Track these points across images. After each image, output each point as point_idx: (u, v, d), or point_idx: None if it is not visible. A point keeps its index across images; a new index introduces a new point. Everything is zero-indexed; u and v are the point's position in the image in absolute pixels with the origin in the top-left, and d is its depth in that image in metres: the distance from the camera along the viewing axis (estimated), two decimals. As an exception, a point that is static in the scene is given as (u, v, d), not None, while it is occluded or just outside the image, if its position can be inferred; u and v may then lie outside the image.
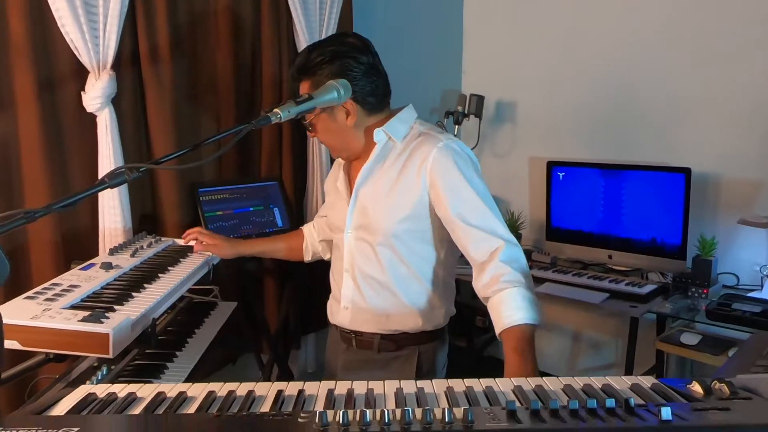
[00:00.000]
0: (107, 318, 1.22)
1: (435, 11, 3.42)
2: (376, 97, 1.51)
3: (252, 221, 2.48)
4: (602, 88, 3.08)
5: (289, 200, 2.63)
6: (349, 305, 1.61)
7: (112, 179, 1.05)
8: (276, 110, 1.18)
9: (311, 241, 1.90)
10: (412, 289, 1.56)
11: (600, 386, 0.94)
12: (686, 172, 2.65)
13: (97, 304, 1.32)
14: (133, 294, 1.42)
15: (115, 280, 1.52)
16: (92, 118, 2.10)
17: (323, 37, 2.65)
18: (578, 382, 0.95)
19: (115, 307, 1.32)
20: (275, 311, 2.63)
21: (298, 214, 2.71)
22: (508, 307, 1.34)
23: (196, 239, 1.86)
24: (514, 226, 3.17)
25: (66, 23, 1.97)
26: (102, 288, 1.44)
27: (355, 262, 1.58)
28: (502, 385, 0.95)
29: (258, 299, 2.56)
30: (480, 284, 1.42)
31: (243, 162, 2.59)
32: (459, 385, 0.95)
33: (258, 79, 2.57)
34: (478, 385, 0.95)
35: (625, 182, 2.86)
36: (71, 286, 1.40)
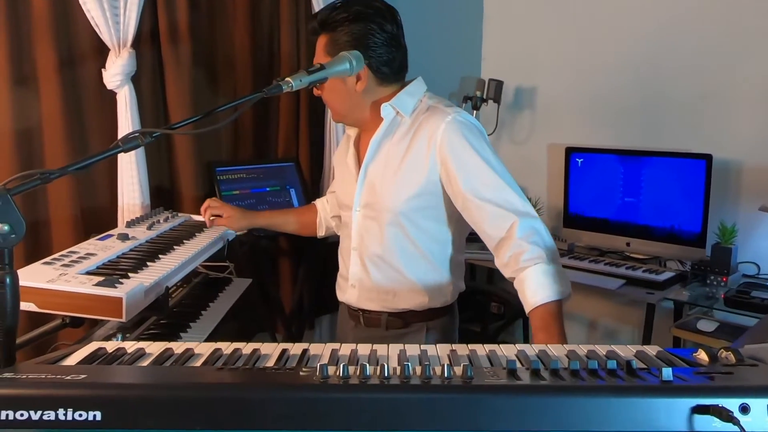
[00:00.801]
0: (121, 283, 1.25)
1: (455, -4, 3.41)
2: (391, 69, 1.49)
3: (268, 201, 2.50)
4: (623, 74, 3.05)
5: (306, 181, 2.64)
6: (356, 283, 1.61)
7: (126, 143, 1.06)
8: (288, 79, 1.18)
9: (324, 215, 1.90)
10: (419, 267, 1.54)
11: (604, 353, 0.93)
12: (707, 158, 2.62)
13: (112, 272, 1.34)
14: (148, 263, 1.45)
15: (131, 250, 1.55)
16: (112, 95, 2.13)
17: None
18: (582, 349, 0.95)
19: (130, 274, 1.34)
20: (290, 290, 2.65)
21: (314, 196, 2.72)
22: (530, 287, 1.33)
23: (207, 209, 1.87)
24: (531, 213, 3.15)
25: (87, 1, 2.00)
26: (118, 257, 1.47)
27: (363, 240, 1.57)
28: (506, 350, 0.95)
29: (273, 278, 2.58)
30: (501, 264, 1.41)
31: (260, 142, 2.61)
32: (462, 349, 0.96)
33: (276, 56, 2.59)
34: (482, 349, 0.96)
35: (645, 168, 2.83)
36: (88, 254, 1.43)
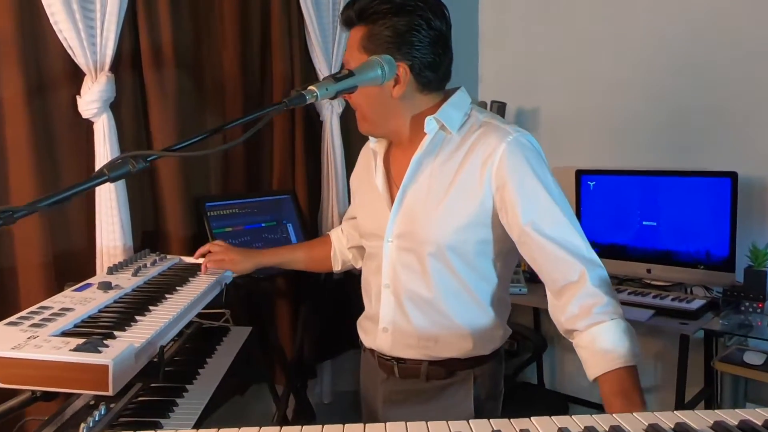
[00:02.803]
0: (106, 346, 1.00)
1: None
2: (435, 74, 1.28)
3: (264, 238, 2.26)
4: (632, 89, 2.90)
5: (304, 215, 2.42)
6: (390, 327, 1.38)
7: (113, 170, 0.84)
8: (312, 87, 0.98)
9: (340, 248, 1.68)
10: (465, 308, 1.33)
11: (710, 422, 0.71)
12: (732, 176, 2.45)
13: (93, 330, 1.10)
14: (137, 318, 1.20)
15: (114, 302, 1.30)
16: (88, 125, 1.89)
17: (337, 36, 2.47)
18: (676, 418, 0.73)
19: (116, 333, 1.10)
20: (290, 336, 2.40)
21: (312, 230, 2.50)
22: (607, 345, 1.14)
23: (207, 255, 1.64)
24: (541, 240, 2.95)
25: (59, 20, 1.77)
26: (99, 311, 1.22)
27: (398, 276, 1.35)
28: (543, 426, 0.73)
29: (272, 323, 2.33)
30: (564, 315, 1.20)
31: (253, 173, 2.38)
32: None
33: (268, 81, 2.38)
34: (551, 424, 0.73)
35: (663, 190, 2.66)
36: (63, 309, 1.18)
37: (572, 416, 0.77)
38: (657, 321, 2.37)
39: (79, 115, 1.87)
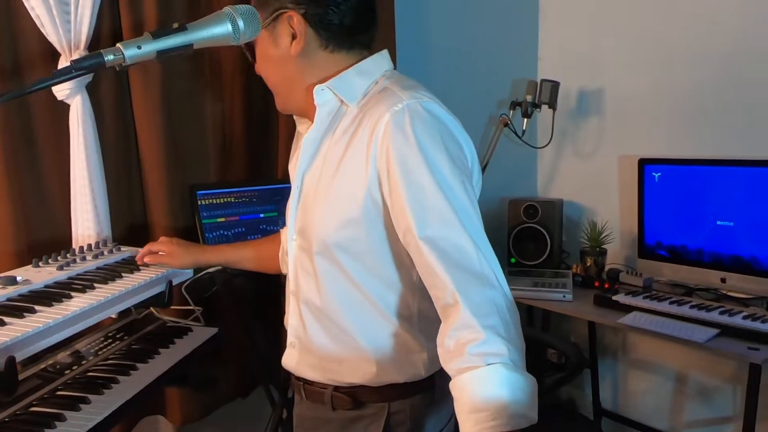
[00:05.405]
0: None
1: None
2: (340, 23, 1.03)
3: (262, 230, 2.09)
4: (710, 67, 2.43)
5: (310, 205, 2.22)
6: (296, 342, 1.16)
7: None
8: (118, 45, 0.77)
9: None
10: (370, 324, 1.07)
11: None
12: (831, 167, 1.97)
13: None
14: (6, 321, 1.06)
15: (7, 300, 1.17)
16: (67, 106, 1.80)
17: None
18: None
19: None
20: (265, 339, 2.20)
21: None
22: (478, 400, 0.87)
23: (145, 253, 1.47)
24: (597, 241, 2.57)
25: (29, -3, 1.69)
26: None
27: (299, 282, 1.12)
28: None
29: (261, 324, 2.13)
30: (441, 348, 0.94)
31: (256, 161, 2.21)
32: None
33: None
34: None
35: (744, 183, 2.20)
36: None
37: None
38: (720, 343, 1.94)
39: (55, 96, 1.78)
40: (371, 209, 1.00)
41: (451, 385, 0.92)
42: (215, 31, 0.87)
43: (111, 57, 0.77)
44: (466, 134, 1.04)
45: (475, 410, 0.86)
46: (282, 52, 1.04)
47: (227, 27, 0.88)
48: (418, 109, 0.97)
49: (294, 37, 1.02)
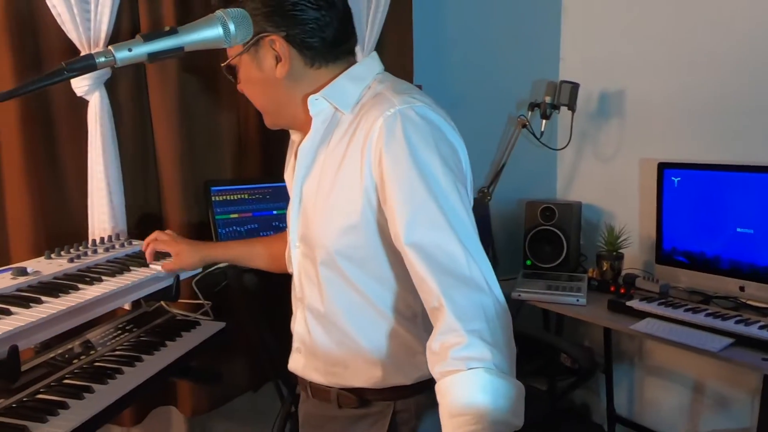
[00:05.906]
0: None
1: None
2: (322, 40, 1.04)
3: (274, 227, 2.11)
4: (734, 71, 2.37)
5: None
6: (302, 347, 1.18)
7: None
8: (109, 47, 0.78)
9: None
10: (373, 328, 1.08)
11: None
12: None
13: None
14: (12, 311, 1.09)
15: (16, 290, 1.21)
16: (86, 103, 1.84)
17: (369, 15, 2.23)
18: None
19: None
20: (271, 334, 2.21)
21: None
22: (458, 404, 0.87)
23: (152, 244, 1.50)
24: (613, 245, 2.54)
25: (50, -6, 1.73)
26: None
27: (304, 288, 1.14)
28: None
29: (257, 320, 2.15)
30: (429, 351, 0.94)
31: (271, 158, 2.23)
32: None
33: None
34: None
35: (765, 190, 2.15)
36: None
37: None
38: (734, 353, 1.90)
39: (74, 93, 1.82)
40: (369, 215, 1.01)
41: (436, 389, 0.92)
42: (206, 34, 0.89)
43: (102, 59, 0.79)
44: (461, 138, 1.04)
45: (456, 414, 0.86)
46: (267, 74, 1.06)
47: (218, 30, 0.89)
48: (410, 114, 0.97)
49: (278, 59, 1.04)
